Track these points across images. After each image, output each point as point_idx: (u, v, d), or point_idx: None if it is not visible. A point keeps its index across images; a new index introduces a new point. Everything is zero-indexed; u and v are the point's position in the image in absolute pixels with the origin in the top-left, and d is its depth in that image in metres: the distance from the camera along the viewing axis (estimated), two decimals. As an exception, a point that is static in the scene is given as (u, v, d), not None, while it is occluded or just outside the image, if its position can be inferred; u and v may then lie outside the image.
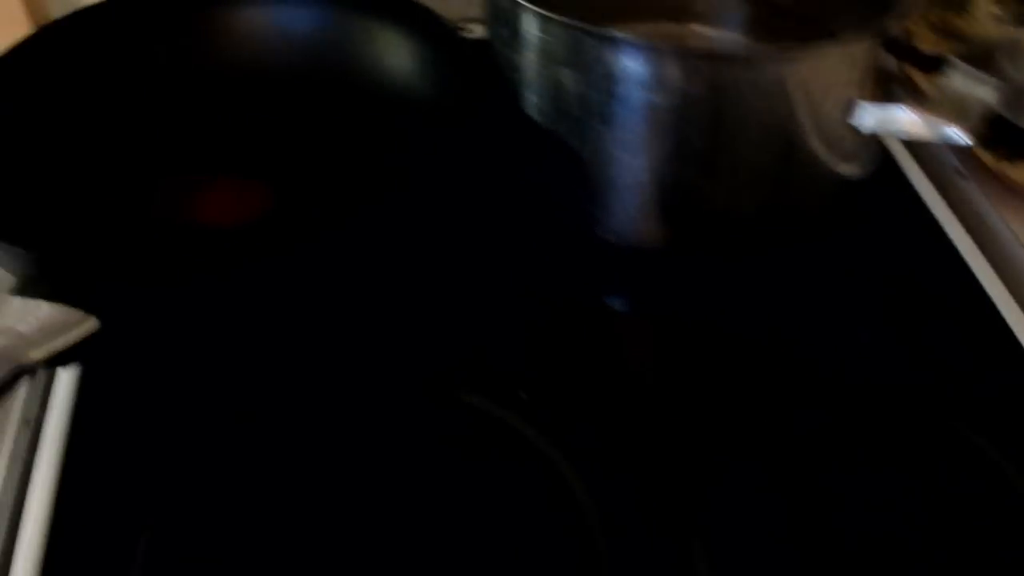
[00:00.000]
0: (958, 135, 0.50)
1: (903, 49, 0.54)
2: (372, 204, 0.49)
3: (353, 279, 0.53)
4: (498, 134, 0.58)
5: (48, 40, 0.59)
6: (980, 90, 0.51)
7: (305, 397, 0.50)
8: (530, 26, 0.53)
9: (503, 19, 0.55)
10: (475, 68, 0.56)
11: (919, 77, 0.63)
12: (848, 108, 0.52)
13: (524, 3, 0.52)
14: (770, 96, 0.50)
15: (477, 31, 0.63)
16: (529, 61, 0.54)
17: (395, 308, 0.54)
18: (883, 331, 0.55)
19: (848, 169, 0.56)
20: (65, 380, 0.48)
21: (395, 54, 0.62)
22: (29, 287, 0.46)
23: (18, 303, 0.45)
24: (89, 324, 0.45)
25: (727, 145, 0.52)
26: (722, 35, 0.67)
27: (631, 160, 0.53)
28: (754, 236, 0.57)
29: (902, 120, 0.51)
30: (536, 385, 0.50)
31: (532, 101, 0.55)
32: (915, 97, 0.52)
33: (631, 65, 0.50)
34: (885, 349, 0.54)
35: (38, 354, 0.43)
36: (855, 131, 0.53)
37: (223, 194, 0.59)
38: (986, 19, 0.68)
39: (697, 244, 0.57)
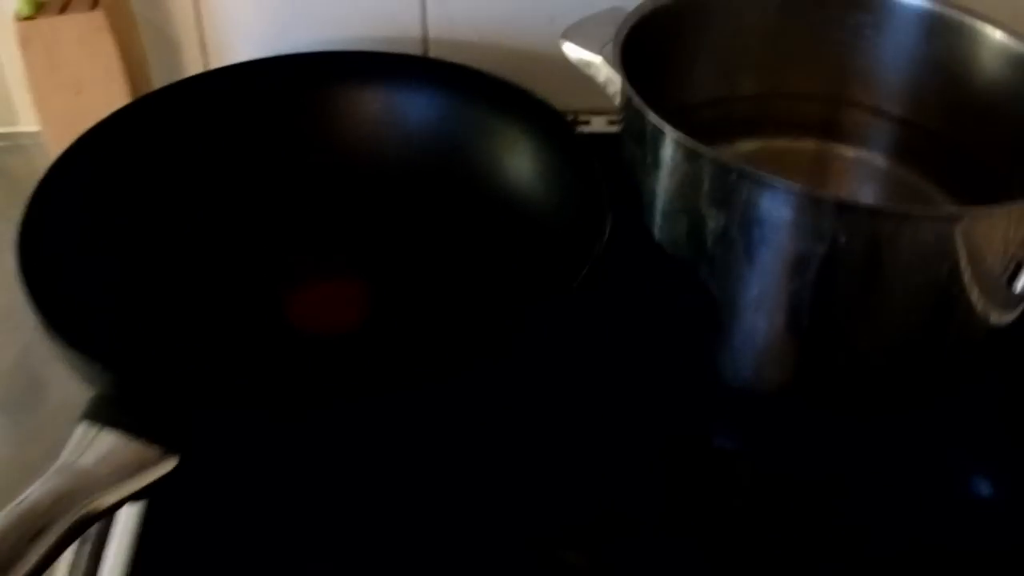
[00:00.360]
0: None
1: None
2: (492, 357, 0.44)
3: (454, 421, 0.48)
4: (620, 252, 0.53)
5: (142, 113, 0.54)
6: None
7: (394, 547, 0.46)
8: (672, 153, 0.48)
9: (641, 140, 0.50)
10: (604, 194, 0.51)
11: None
12: (1009, 268, 0.47)
13: (670, 130, 0.47)
14: (928, 252, 0.45)
15: (597, 123, 0.59)
16: (665, 188, 0.49)
17: (493, 452, 0.50)
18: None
19: (996, 320, 0.51)
20: (127, 513, 0.45)
21: (516, 156, 0.57)
22: (103, 406, 0.42)
23: (85, 431, 0.40)
24: (167, 464, 0.40)
25: (875, 298, 0.47)
26: (864, 156, 0.62)
27: (769, 304, 0.48)
28: (886, 393, 0.52)
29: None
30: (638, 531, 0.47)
31: (662, 227, 0.51)
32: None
33: (783, 210, 0.45)
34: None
35: (108, 500, 0.38)
36: (1012, 289, 0.48)
37: (319, 289, 0.54)
38: None
39: (825, 398, 0.52)
